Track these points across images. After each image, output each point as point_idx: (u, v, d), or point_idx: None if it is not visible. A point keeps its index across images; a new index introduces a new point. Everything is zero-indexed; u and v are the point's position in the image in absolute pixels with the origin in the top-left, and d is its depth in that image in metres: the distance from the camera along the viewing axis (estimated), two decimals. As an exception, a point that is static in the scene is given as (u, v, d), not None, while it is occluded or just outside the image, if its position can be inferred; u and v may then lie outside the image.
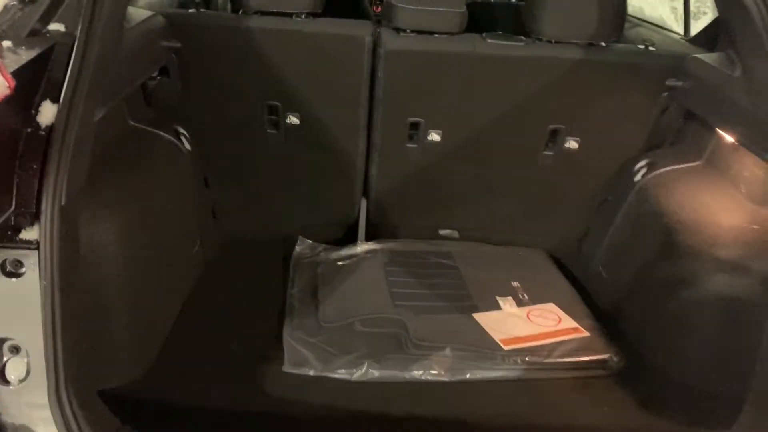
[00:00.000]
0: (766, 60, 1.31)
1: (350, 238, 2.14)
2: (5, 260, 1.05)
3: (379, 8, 2.66)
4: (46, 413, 1.10)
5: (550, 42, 1.79)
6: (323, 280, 1.91)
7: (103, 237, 1.32)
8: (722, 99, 1.57)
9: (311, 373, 1.56)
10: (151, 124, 1.70)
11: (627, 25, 2.42)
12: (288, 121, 1.91)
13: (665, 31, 2.37)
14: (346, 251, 2.07)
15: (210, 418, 1.36)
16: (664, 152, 1.86)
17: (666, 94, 1.82)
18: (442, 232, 2.21)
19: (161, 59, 1.75)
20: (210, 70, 1.86)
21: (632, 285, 1.77)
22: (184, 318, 1.69)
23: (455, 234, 2.20)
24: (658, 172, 1.78)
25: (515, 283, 1.96)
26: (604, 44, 1.80)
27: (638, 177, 1.82)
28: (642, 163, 1.85)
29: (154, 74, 1.80)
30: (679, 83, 1.76)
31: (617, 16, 1.79)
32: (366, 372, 1.56)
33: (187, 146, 1.77)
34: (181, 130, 1.78)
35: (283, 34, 1.81)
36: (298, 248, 2.08)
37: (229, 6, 2.47)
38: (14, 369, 1.10)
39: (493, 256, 2.11)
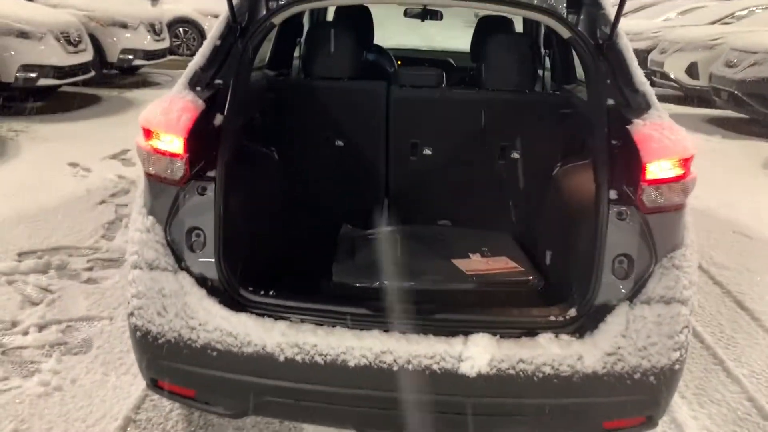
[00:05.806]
0: (595, 91, 2.34)
1: (377, 224, 3.18)
2: (199, 185, 2.15)
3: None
4: (211, 267, 2.17)
5: (492, 90, 2.90)
6: (359, 246, 2.94)
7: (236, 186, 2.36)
8: (585, 116, 2.61)
9: (348, 281, 2.60)
10: (254, 142, 2.85)
11: (577, 83, 3.52)
12: (337, 143, 3.04)
13: None
14: (373, 230, 3.12)
15: (290, 292, 2.35)
16: (572, 157, 2.83)
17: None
18: (440, 222, 3.28)
19: (263, 103, 2.90)
20: (291, 111, 3.01)
21: (552, 237, 2.77)
22: (276, 247, 2.71)
23: (448, 223, 3.26)
24: (564, 167, 2.79)
25: (484, 248, 2.97)
26: (527, 91, 2.90)
27: (554, 172, 2.86)
28: (558, 164, 2.88)
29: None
30: (568, 110, 2.82)
31: (531, 73, 2.89)
32: (381, 282, 2.58)
33: (276, 156, 2.91)
34: (272, 147, 2.93)
35: (334, 90, 2.96)
36: (342, 230, 3.14)
37: (302, 73, 3.68)
38: (197, 245, 2.20)
39: (472, 235, 3.12)
